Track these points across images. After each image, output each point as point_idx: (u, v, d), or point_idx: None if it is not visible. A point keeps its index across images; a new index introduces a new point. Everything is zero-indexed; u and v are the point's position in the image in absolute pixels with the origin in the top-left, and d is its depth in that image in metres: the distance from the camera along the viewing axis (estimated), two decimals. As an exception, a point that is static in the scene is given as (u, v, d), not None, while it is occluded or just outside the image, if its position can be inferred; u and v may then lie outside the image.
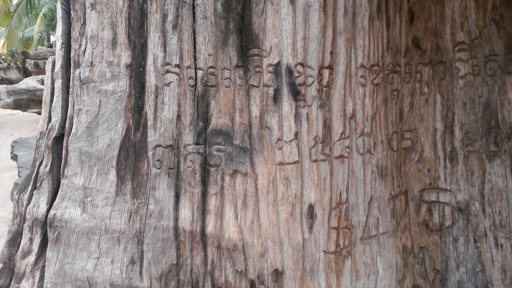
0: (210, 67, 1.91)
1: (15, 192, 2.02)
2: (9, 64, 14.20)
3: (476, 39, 2.16)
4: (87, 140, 1.87)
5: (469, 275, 2.21)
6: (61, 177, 1.90)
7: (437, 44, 2.19)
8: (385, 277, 2.10)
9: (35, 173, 1.95)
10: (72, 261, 1.85)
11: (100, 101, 1.87)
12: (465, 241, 2.21)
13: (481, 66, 2.16)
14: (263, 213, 1.93)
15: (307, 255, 1.94)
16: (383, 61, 2.09)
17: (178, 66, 1.90)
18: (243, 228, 1.91)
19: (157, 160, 1.89)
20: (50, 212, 1.87)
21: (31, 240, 1.90)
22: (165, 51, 1.88)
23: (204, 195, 1.93)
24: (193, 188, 1.92)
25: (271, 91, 1.93)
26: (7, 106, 9.21)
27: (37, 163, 1.97)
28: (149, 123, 1.89)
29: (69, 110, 1.93)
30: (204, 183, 1.94)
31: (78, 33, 1.92)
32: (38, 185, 1.93)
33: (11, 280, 1.89)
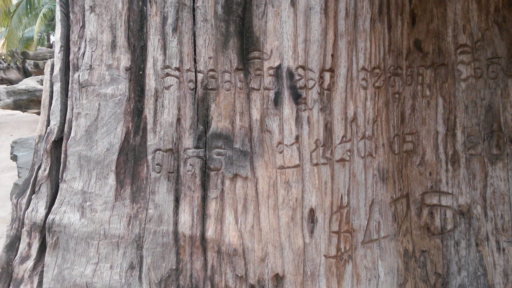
0: (210, 70, 1.90)
1: (13, 196, 2.00)
2: (9, 64, 14.19)
3: (478, 42, 2.14)
4: (86, 144, 1.85)
5: (470, 279, 2.20)
6: (59, 181, 1.89)
7: (439, 46, 2.17)
8: (386, 281, 2.08)
9: (33, 177, 1.94)
10: (71, 267, 1.83)
11: (99, 104, 1.85)
12: (467, 245, 2.20)
13: (483, 69, 2.15)
14: (263, 217, 1.91)
15: (308, 259, 1.93)
16: (384, 64, 2.07)
17: (178, 69, 1.88)
18: (243, 233, 1.90)
19: (157, 164, 1.87)
20: (49, 216, 1.86)
21: (29, 245, 1.88)
22: (165, 54, 1.87)
23: (204, 199, 1.92)
24: (193, 192, 1.90)
25: (272, 94, 1.91)
26: (6, 107, 9.20)
27: (36, 167, 1.95)
28: (149, 126, 1.87)
29: (68, 113, 1.91)
30: (204, 187, 1.92)
31: (77, 36, 1.90)
32: (36, 189, 1.92)
33: (9, 285, 1.88)
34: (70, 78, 1.91)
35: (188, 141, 1.90)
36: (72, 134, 1.88)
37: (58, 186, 1.91)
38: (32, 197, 1.93)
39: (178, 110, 1.89)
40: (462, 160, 2.18)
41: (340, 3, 1.93)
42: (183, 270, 1.89)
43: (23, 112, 9.67)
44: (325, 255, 1.94)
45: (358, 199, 2.03)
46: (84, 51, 1.87)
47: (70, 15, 1.92)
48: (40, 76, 10.27)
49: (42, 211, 1.89)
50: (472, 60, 2.15)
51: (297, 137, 1.92)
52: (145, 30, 1.87)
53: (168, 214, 1.88)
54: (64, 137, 1.91)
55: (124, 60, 1.85)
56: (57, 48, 1.95)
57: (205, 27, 1.88)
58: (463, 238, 2.20)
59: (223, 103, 1.91)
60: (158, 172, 1.87)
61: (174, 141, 1.89)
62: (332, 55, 1.94)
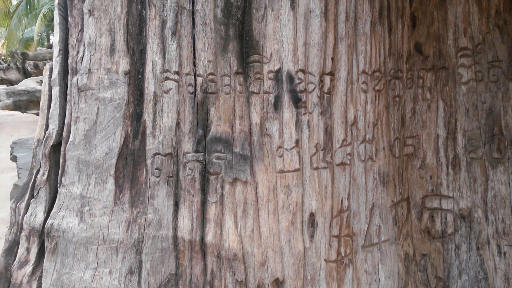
0: (210, 73, 1.89)
1: (12, 201, 1.99)
2: (8, 65, 14.19)
3: (479, 45, 2.13)
4: (85, 148, 1.84)
5: (471, 283, 2.19)
6: (58, 185, 1.88)
7: (440, 49, 2.16)
8: (386, 285, 2.07)
9: (32, 181, 1.93)
10: (70, 272, 1.82)
11: (98, 108, 1.84)
12: (468, 249, 2.19)
13: (484, 72, 2.14)
14: (263, 221, 1.90)
15: (308, 264, 1.92)
16: (385, 67, 2.06)
17: (177, 73, 1.87)
18: (243, 237, 1.89)
19: (156, 169, 1.86)
20: (47, 221, 1.85)
21: (28, 250, 1.87)
22: (164, 57, 1.85)
23: (204, 203, 1.91)
24: (193, 196, 1.89)
25: (271, 98, 1.90)
26: (6, 107, 9.19)
27: (35, 171, 1.94)
28: (148, 131, 1.86)
29: (66, 117, 1.90)
30: (204, 191, 1.91)
31: (75, 39, 1.89)
32: (35, 193, 1.91)
33: (8, 290, 1.87)
34: (69, 82, 1.90)
35: (187, 145, 1.89)
36: (71, 138, 1.86)
37: (57, 190, 1.90)
38: (31, 201, 1.92)
39: (178, 114, 1.88)
40: (463, 163, 2.17)
41: (340, 6, 1.92)
42: (183, 275, 1.88)
43: (23, 112, 9.67)
44: (325, 260, 1.93)
45: (358, 203, 2.02)
46: (83, 55, 1.86)
47: (69, 18, 1.91)
48: (40, 77, 10.26)
49: (40, 216, 1.88)
50: (473, 63, 2.14)
51: (297, 141, 1.91)
52: (144, 34, 1.86)
53: (167, 219, 1.87)
54: (62, 141, 1.90)
55: (123, 64, 1.84)
56: (55, 52, 1.94)
57: (204, 31, 1.87)
58: (464, 241, 2.19)
59: (222, 107, 1.90)
60: (158, 177, 1.86)
61: (174, 145, 1.88)
62: (332, 59, 1.93)
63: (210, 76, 1.89)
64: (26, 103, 9.22)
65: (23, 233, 1.91)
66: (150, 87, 1.86)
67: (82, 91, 1.85)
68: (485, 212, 2.16)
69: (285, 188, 1.90)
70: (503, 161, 2.14)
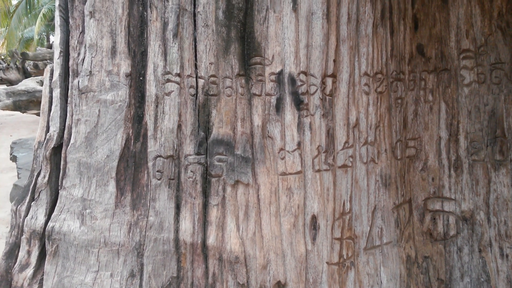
0: (212, 75, 1.88)
1: (12, 203, 1.98)
2: (8, 65, 14.17)
3: (481, 47, 2.12)
4: (86, 151, 1.83)
5: (473, 285, 2.18)
6: (59, 188, 1.87)
7: (442, 51, 2.15)
8: (388, 287, 2.07)
9: (33, 184, 1.92)
10: (71, 275, 1.82)
11: (99, 111, 1.83)
12: (470, 251, 2.18)
13: (486, 74, 2.13)
14: (265, 224, 1.89)
15: (310, 266, 1.91)
16: (387, 69, 2.05)
17: (178, 75, 1.86)
18: (245, 240, 1.88)
19: (158, 171, 1.85)
20: (48, 224, 1.84)
21: (29, 252, 1.87)
22: (165, 59, 1.85)
23: (205, 206, 1.90)
24: (194, 199, 1.88)
25: (273, 100, 1.90)
26: (6, 107, 9.17)
27: (35, 174, 1.93)
28: (149, 133, 1.86)
29: (67, 120, 1.89)
30: (205, 194, 1.90)
31: (76, 41, 1.88)
32: (36, 196, 1.90)
33: (8, 293, 1.86)
34: (70, 84, 1.89)
35: (189, 148, 1.89)
36: (72, 140, 1.86)
37: (58, 193, 1.89)
38: (32, 204, 1.91)
39: (179, 116, 1.87)
40: (465, 165, 2.16)
41: (342, 8, 1.91)
42: (184, 278, 1.88)
43: (23, 113, 9.65)
44: (327, 262, 1.93)
45: (360, 205, 2.01)
46: (84, 57, 1.85)
47: (70, 20, 1.90)
48: (39, 77, 10.25)
49: (41, 219, 1.87)
50: (475, 65, 2.13)
51: (299, 143, 1.90)
52: (145, 36, 1.85)
53: (169, 221, 1.86)
54: (63, 143, 1.89)
55: (124, 66, 1.84)
56: (56, 53, 1.93)
57: (206, 33, 1.87)
58: (466, 244, 2.18)
59: (224, 109, 1.89)
60: (159, 179, 1.85)
61: (175, 147, 1.87)
62: (334, 61, 1.92)
63: (212, 78, 1.88)
64: (26, 103, 9.20)
65: (24, 236, 1.90)
66: (151, 89, 1.85)
67: (83, 93, 1.84)
68: (487, 214, 2.16)
69: (287, 190, 1.90)
70: (506, 163, 2.13)
